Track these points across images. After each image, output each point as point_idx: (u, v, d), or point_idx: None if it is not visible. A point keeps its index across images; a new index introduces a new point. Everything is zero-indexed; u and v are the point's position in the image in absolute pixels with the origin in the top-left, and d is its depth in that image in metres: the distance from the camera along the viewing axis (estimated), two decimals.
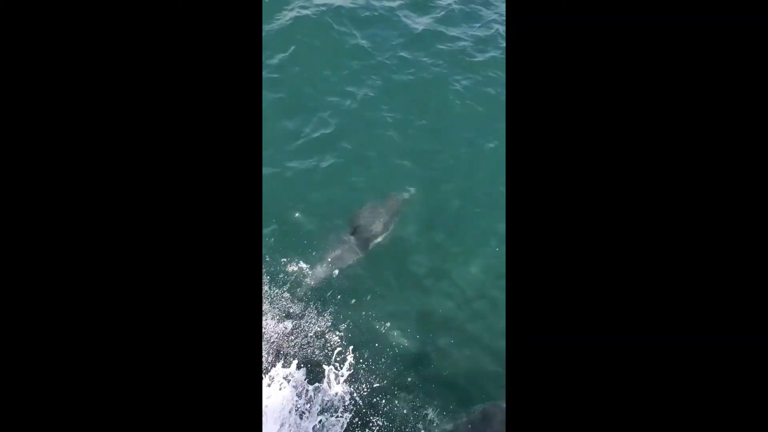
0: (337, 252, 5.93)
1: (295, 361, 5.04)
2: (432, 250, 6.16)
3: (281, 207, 6.12)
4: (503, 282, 5.83)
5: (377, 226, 6.08)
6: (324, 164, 6.73)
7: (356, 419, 4.77)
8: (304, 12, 8.56)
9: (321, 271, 5.79)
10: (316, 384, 4.94)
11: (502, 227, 6.20)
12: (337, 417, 4.73)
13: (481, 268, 6.08)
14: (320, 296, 5.61)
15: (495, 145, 7.09)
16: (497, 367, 5.28)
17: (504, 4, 9.22)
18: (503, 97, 7.69)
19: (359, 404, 4.88)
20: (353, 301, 5.63)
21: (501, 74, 8.04)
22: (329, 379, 4.99)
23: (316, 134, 7.02)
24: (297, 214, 6.22)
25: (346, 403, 4.86)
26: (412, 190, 6.51)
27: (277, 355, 5.03)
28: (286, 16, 8.48)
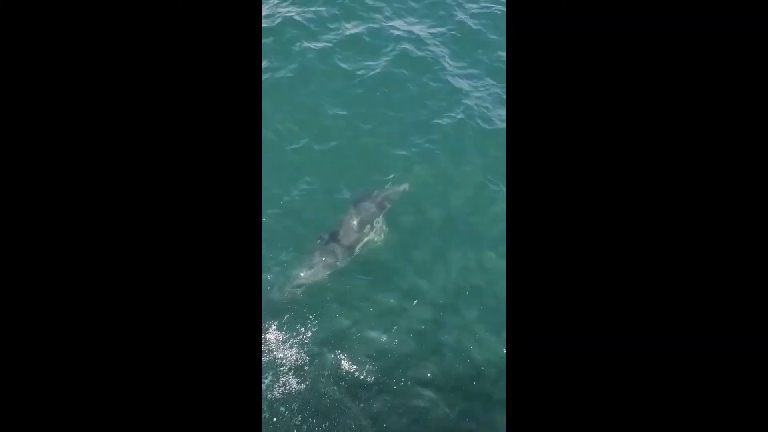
0: (320, 255, 5.73)
1: (278, 369, 4.94)
2: (421, 252, 6.01)
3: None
4: (495, 284, 5.74)
5: (363, 227, 5.92)
6: (301, 162, 6.56)
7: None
8: (297, 9, 8.52)
9: (302, 275, 5.59)
10: (296, 394, 4.86)
11: (495, 228, 6.11)
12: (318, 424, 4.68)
13: (472, 269, 5.92)
14: (301, 303, 5.42)
15: (490, 142, 6.98)
16: (495, 371, 5.22)
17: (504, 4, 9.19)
18: (502, 95, 7.60)
19: (341, 417, 4.78)
20: (335, 307, 5.46)
21: (497, 74, 7.99)
22: (309, 388, 4.89)
23: (296, 132, 6.87)
24: (276, 215, 6.01)
25: (329, 413, 4.77)
26: (400, 188, 6.35)
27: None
28: (281, 14, 8.46)
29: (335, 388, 4.95)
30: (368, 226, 5.96)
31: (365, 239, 5.92)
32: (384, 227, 6.06)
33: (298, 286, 5.55)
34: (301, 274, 5.62)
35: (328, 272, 5.69)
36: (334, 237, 5.80)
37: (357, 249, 5.87)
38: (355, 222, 5.92)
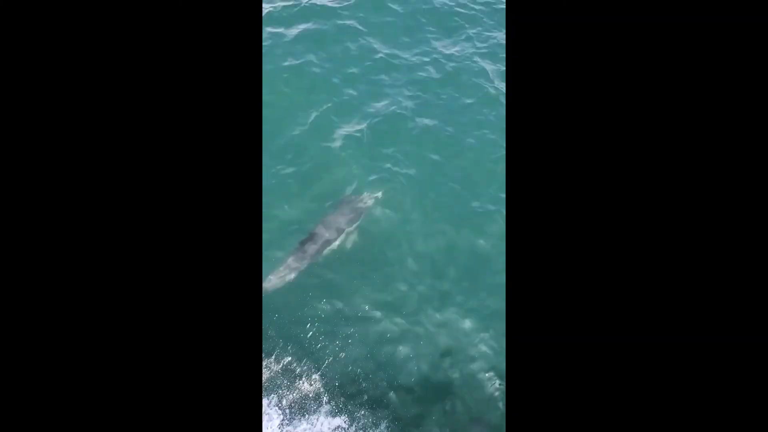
0: (291, 258, 5.63)
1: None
2: (396, 258, 5.91)
3: None
4: (479, 285, 5.70)
5: (334, 231, 5.82)
6: (275, 165, 6.45)
7: None
8: (295, 13, 8.52)
9: (272, 277, 5.48)
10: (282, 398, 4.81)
11: (467, 236, 6.04)
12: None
13: (450, 270, 5.82)
14: (270, 304, 5.24)
15: (473, 146, 6.89)
16: (493, 371, 5.18)
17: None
18: (486, 101, 7.50)
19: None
20: (299, 313, 5.36)
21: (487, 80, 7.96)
22: (293, 393, 4.84)
23: (275, 135, 6.77)
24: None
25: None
26: (378, 194, 6.27)
27: None
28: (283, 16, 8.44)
29: (319, 394, 4.88)
30: (341, 230, 5.89)
31: (337, 243, 5.84)
32: (357, 232, 5.97)
33: (268, 286, 5.49)
34: (270, 276, 5.53)
35: (296, 274, 5.60)
36: (306, 240, 5.72)
37: (327, 252, 5.79)
38: (328, 226, 5.84)
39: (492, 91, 7.55)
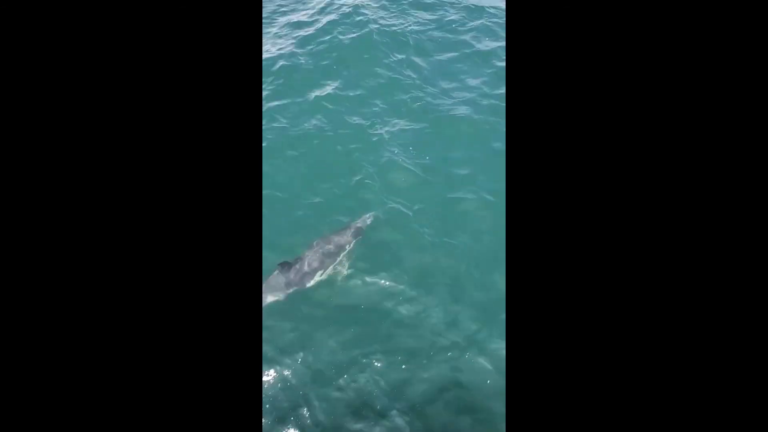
0: (277, 282, 5.50)
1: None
2: (380, 291, 5.75)
3: None
4: (460, 326, 5.58)
5: (319, 260, 5.68)
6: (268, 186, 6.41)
7: None
8: (298, 27, 8.56)
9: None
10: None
11: (463, 266, 5.96)
12: None
13: (441, 310, 5.64)
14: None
15: (467, 173, 6.86)
16: (492, 383, 5.05)
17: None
18: (480, 122, 7.48)
19: None
20: (288, 337, 5.25)
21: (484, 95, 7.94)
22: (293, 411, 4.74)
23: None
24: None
25: None
26: (368, 221, 6.17)
27: None
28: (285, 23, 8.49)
29: (318, 422, 4.80)
30: (333, 256, 5.80)
31: (328, 270, 5.77)
32: (350, 258, 5.90)
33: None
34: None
35: (282, 297, 5.53)
36: (295, 266, 5.62)
37: (317, 278, 5.71)
38: (320, 251, 5.75)
39: (486, 126, 7.55)
